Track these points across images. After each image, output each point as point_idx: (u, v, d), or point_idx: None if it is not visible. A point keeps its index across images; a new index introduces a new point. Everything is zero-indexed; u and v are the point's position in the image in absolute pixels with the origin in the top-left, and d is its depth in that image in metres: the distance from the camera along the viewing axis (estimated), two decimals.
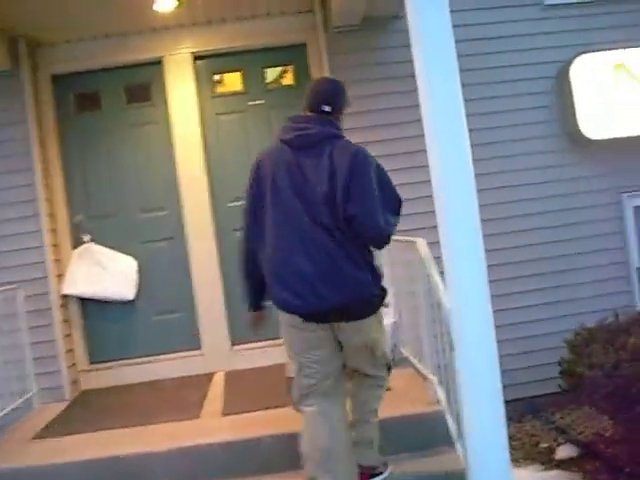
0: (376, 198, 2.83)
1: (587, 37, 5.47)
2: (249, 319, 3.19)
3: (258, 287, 3.05)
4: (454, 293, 2.52)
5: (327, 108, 2.98)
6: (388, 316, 4.44)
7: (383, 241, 2.94)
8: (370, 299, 2.92)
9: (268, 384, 4.48)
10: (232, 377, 4.99)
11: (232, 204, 5.20)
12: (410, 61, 5.14)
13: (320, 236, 2.80)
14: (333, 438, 2.91)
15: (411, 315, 4.23)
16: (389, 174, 3.00)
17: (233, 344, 5.32)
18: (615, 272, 5.52)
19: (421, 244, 3.55)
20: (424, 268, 3.46)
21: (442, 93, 2.45)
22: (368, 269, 2.88)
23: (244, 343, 5.25)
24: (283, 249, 2.85)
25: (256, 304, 3.13)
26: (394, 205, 2.97)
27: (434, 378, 3.63)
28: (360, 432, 3.14)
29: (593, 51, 5.33)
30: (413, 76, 5.13)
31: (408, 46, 5.19)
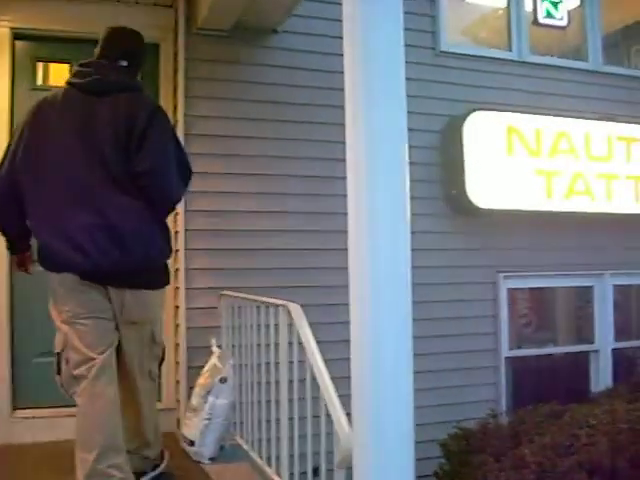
0: (171, 157, 2.85)
1: (479, 94, 5.27)
2: (14, 262, 3.21)
3: (20, 234, 3.00)
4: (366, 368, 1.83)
5: (124, 63, 2.96)
6: (224, 394, 3.76)
7: (168, 205, 2.96)
8: (161, 267, 2.93)
9: (59, 471, 3.56)
10: (9, 455, 3.98)
11: None
12: (284, 85, 4.70)
13: (109, 187, 2.74)
14: (113, 422, 2.75)
15: (257, 393, 3.60)
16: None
17: (15, 409, 4.32)
18: (484, 360, 5.25)
19: (295, 309, 2.99)
20: (290, 334, 3.05)
21: (383, 123, 1.81)
22: (165, 232, 2.91)
23: (29, 408, 4.29)
24: (64, 200, 2.74)
25: (22, 249, 3.12)
26: (185, 172, 2.97)
27: None
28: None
29: (487, 109, 5.08)
30: (286, 102, 4.72)
31: (283, 67, 4.79)
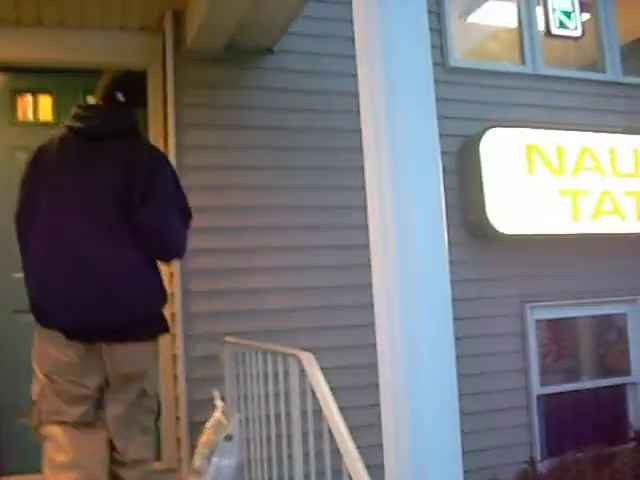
0: (175, 207, 2.81)
1: (493, 111, 4.99)
2: None
3: None
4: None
5: (120, 97, 2.89)
6: (229, 453, 3.39)
7: (175, 255, 2.98)
8: (153, 318, 2.81)
9: None
10: None
11: (18, 275, 3.94)
12: (283, 109, 4.42)
13: (103, 239, 2.67)
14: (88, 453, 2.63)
15: (267, 449, 3.27)
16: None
17: None
18: (514, 400, 4.87)
19: (307, 359, 2.68)
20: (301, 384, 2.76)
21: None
22: (156, 282, 2.81)
23: (14, 474, 3.92)
24: (56, 253, 2.65)
25: None
26: (187, 218, 2.93)
27: None
28: None
29: (506, 126, 4.78)
30: (286, 128, 4.43)
31: (281, 90, 4.51)
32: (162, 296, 2.85)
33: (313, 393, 2.64)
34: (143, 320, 2.75)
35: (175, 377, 4.06)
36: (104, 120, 2.84)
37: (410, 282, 1.59)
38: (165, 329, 2.89)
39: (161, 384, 4.08)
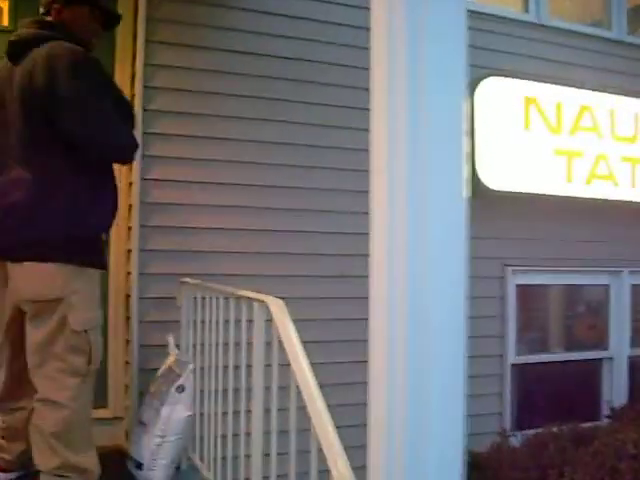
0: (97, 107, 2.65)
1: (491, 59, 4.68)
2: None
3: None
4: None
5: (42, 9, 2.77)
6: (181, 405, 3.12)
7: (121, 155, 2.86)
8: (50, 239, 2.57)
9: None
10: None
11: None
12: (267, 35, 4.05)
13: (18, 158, 2.61)
14: None
15: (223, 402, 3.00)
16: None
17: None
18: (488, 367, 4.67)
19: (276, 306, 2.41)
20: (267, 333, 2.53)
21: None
22: (63, 203, 2.59)
23: None
24: None
25: None
26: (128, 116, 2.86)
27: None
28: None
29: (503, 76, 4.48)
30: (264, 55, 4.06)
31: (268, 13, 4.14)
32: (68, 218, 2.60)
33: (280, 344, 2.39)
34: (35, 241, 2.57)
35: (127, 319, 3.75)
36: (24, 34, 2.70)
37: (419, 225, 1.30)
38: (85, 258, 2.64)
39: (111, 326, 3.80)
